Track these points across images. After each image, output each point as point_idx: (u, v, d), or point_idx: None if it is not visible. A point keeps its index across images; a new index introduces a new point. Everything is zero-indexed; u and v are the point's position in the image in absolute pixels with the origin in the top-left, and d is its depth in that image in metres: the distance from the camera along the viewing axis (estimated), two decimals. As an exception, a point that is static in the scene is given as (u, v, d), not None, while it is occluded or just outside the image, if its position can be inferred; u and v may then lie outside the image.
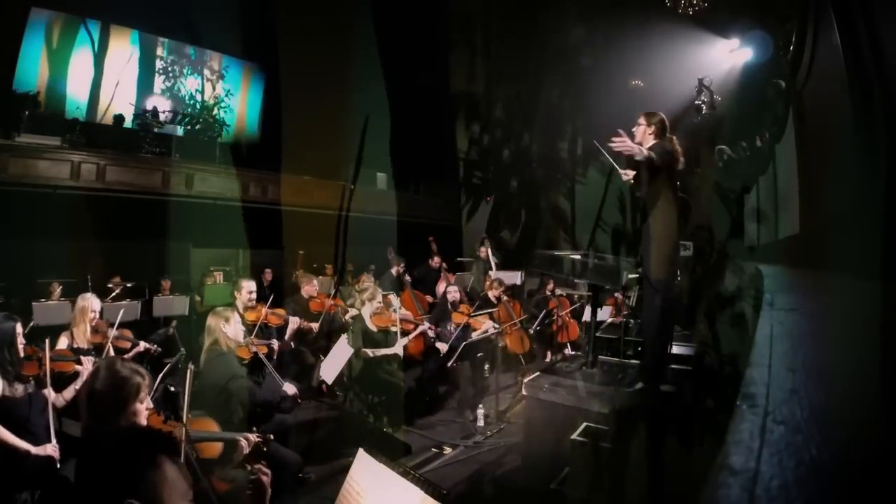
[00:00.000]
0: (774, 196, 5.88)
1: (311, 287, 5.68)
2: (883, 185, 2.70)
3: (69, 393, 2.95)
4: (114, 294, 6.16)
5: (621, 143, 2.92)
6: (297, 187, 11.61)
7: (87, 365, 3.16)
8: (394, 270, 6.79)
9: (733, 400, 1.07)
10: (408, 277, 6.82)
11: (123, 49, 11.23)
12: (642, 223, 3.24)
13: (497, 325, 5.31)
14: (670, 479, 2.24)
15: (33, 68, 9.88)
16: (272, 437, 2.66)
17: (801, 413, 0.94)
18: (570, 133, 13.97)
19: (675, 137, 3.22)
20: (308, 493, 3.23)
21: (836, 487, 0.73)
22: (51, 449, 2.49)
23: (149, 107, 11.09)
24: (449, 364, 4.82)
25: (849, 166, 3.14)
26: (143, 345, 3.91)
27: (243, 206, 10.21)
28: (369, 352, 4.58)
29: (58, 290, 6.15)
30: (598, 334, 3.98)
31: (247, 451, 2.44)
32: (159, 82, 11.75)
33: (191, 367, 2.45)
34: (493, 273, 6.92)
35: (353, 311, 5.30)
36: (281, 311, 4.96)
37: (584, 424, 2.84)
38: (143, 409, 1.71)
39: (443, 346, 5.08)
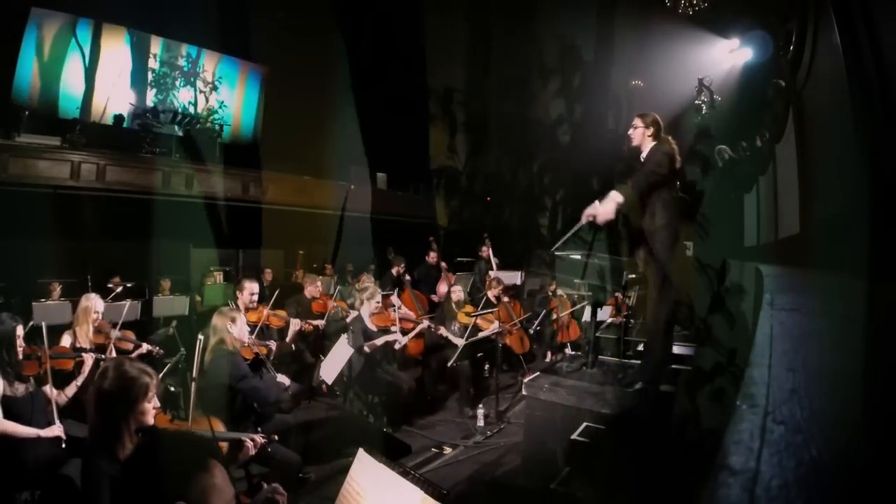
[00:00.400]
0: (774, 196, 5.88)
1: (314, 288, 5.69)
2: (883, 185, 2.71)
3: (70, 390, 2.96)
4: (114, 294, 6.16)
5: (589, 215, 2.92)
6: (297, 187, 11.63)
7: (87, 361, 3.17)
8: (394, 270, 6.79)
9: (733, 400, 1.07)
10: (408, 277, 6.82)
11: (117, 51, 11.16)
12: (643, 224, 3.24)
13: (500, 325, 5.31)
14: (670, 479, 2.24)
15: (26, 69, 9.87)
16: (276, 438, 2.66)
17: (801, 413, 0.94)
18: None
19: (670, 137, 3.22)
20: (308, 493, 3.23)
21: (836, 487, 0.73)
22: (56, 430, 2.59)
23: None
24: (449, 364, 4.82)
25: (849, 166, 3.14)
26: (145, 346, 3.92)
27: (243, 207, 10.23)
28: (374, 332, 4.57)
29: (58, 289, 6.15)
30: (598, 334, 3.98)
31: (252, 452, 2.43)
32: (151, 95, 11.65)
33: (195, 366, 2.45)
34: (493, 273, 6.92)
35: (353, 312, 5.31)
36: (282, 313, 4.96)
37: (584, 424, 2.85)
38: (151, 409, 1.73)
39: (459, 341, 5.06)
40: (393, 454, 3.69)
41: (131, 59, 11.35)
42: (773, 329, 1.66)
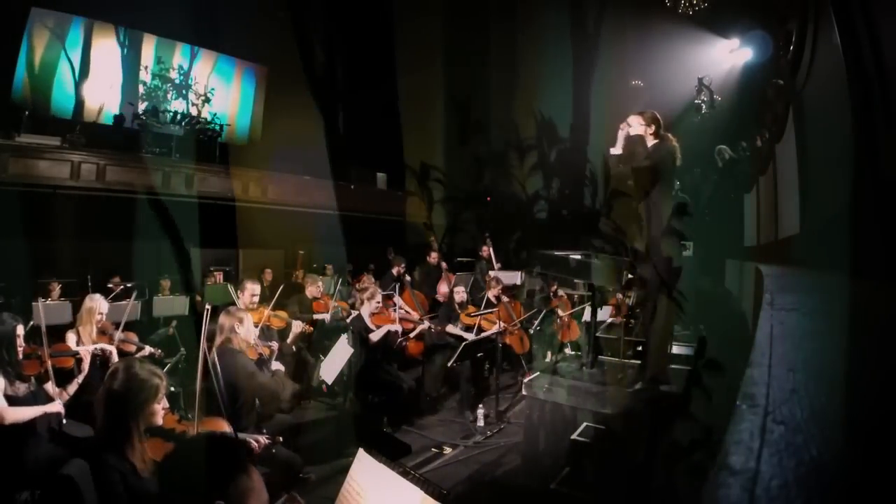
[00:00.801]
0: (774, 196, 5.88)
1: (314, 288, 5.69)
2: (882, 185, 2.71)
3: (72, 388, 2.96)
4: (114, 294, 6.16)
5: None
6: (297, 187, 11.63)
7: (87, 359, 3.17)
8: (394, 270, 6.79)
9: (733, 400, 1.07)
10: (408, 278, 6.82)
11: (110, 61, 11.09)
12: (643, 223, 3.24)
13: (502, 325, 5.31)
14: (670, 479, 2.24)
15: (20, 71, 9.85)
16: (281, 439, 2.66)
17: (801, 413, 0.94)
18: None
19: (670, 135, 3.22)
20: (308, 493, 3.23)
21: (836, 487, 0.73)
22: (57, 405, 2.68)
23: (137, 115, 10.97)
24: (449, 364, 4.82)
25: (849, 166, 3.13)
26: (147, 349, 3.93)
27: (243, 207, 10.23)
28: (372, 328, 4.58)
29: (57, 289, 6.15)
30: (598, 334, 3.98)
31: (257, 453, 2.43)
32: (142, 108, 11.50)
33: (200, 365, 2.44)
34: (492, 272, 6.92)
35: (353, 312, 5.31)
36: (283, 314, 4.96)
37: (584, 424, 2.85)
38: (160, 410, 1.75)
39: (468, 335, 5.08)
40: (393, 454, 3.69)
41: (122, 72, 11.23)
42: (773, 329, 1.66)
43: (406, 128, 14.01)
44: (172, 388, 4.04)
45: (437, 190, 14.37)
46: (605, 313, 5.63)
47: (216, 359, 3.05)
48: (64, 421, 2.70)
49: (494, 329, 5.07)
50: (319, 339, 5.32)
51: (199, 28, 11.49)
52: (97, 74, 10.85)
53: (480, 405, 4.66)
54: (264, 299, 4.93)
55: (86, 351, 3.23)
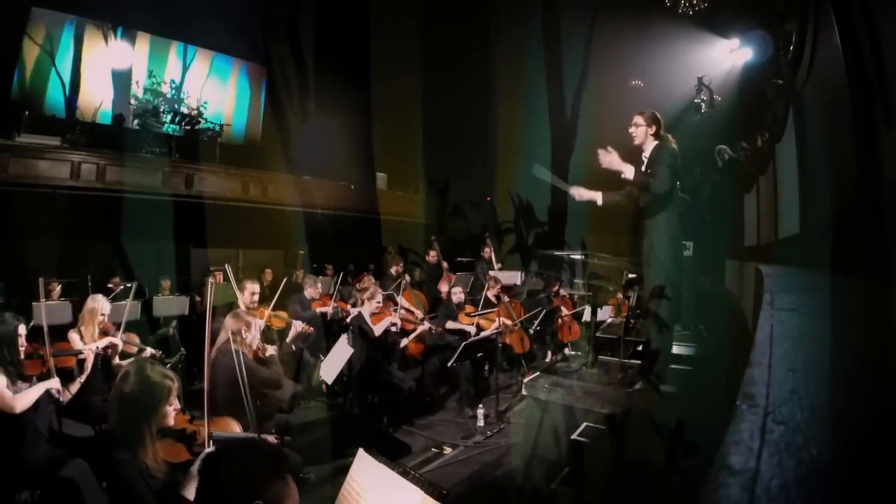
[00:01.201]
0: (774, 196, 5.87)
1: (313, 289, 5.69)
2: (883, 185, 2.70)
3: (74, 387, 2.96)
4: (114, 294, 6.15)
5: (608, 159, 2.90)
6: (297, 187, 11.63)
7: (89, 358, 3.17)
8: (393, 270, 6.79)
9: (733, 400, 1.07)
10: (407, 278, 6.82)
11: (100, 70, 11.03)
12: (643, 223, 3.24)
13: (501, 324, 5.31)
14: (670, 479, 2.24)
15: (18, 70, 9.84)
16: (289, 438, 2.65)
17: (801, 413, 0.94)
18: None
19: (670, 136, 3.22)
20: (308, 493, 3.23)
21: (836, 487, 0.73)
22: (55, 382, 2.73)
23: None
24: (449, 364, 4.82)
25: (849, 166, 3.13)
26: (149, 350, 3.93)
27: (242, 207, 10.23)
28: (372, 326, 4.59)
29: (57, 289, 6.15)
30: (598, 334, 3.98)
31: None
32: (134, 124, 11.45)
33: (206, 364, 2.44)
34: (491, 272, 6.92)
35: (353, 310, 5.31)
36: (283, 314, 4.96)
37: (584, 424, 2.85)
38: (172, 411, 1.77)
39: (471, 328, 5.16)
40: (393, 454, 3.69)
41: (113, 88, 11.17)
42: (773, 329, 1.66)
43: (405, 128, 14.01)
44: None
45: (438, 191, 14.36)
46: (605, 313, 5.63)
47: (216, 358, 3.07)
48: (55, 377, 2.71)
49: (493, 328, 5.08)
50: (318, 339, 5.31)
51: (194, 26, 11.47)
52: (93, 76, 10.85)
53: (480, 405, 4.66)
54: (264, 299, 4.93)
55: (89, 350, 3.23)
